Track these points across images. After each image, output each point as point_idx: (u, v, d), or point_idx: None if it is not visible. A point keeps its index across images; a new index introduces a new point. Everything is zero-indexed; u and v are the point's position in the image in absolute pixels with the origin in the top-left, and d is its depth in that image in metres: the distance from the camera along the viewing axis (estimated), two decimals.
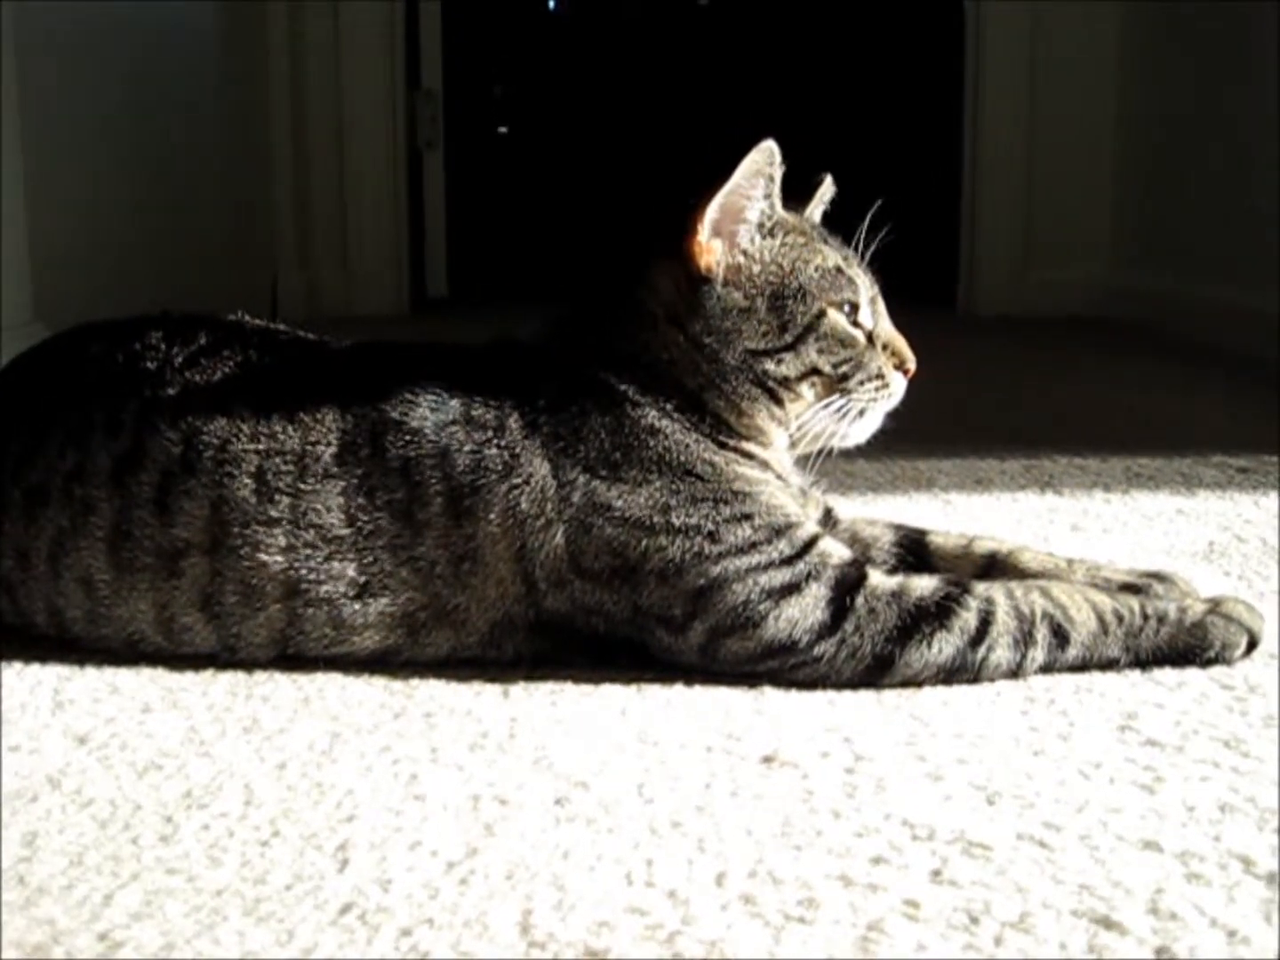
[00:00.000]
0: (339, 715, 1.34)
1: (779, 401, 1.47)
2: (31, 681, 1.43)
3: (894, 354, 1.52)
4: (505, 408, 1.43)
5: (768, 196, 1.47)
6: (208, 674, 1.44)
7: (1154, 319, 4.39)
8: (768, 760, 1.22)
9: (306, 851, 1.07)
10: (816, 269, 1.48)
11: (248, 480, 1.42)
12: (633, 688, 1.39)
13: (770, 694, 1.37)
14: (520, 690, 1.39)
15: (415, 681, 1.41)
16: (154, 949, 0.93)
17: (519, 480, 1.39)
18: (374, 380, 1.47)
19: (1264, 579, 1.74)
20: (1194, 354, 3.86)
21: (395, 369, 1.49)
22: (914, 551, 1.61)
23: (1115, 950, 0.91)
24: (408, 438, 1.42)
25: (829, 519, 1.61)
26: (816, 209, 1.61)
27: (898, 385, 1.52)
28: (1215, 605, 1.44)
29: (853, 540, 1.59)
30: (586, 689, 1.39)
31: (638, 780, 1.18)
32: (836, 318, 1.48)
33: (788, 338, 1.46)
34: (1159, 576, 1.54)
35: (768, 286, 1.46)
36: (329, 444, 1.43)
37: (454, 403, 1.43)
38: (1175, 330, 4.17)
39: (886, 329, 1.53)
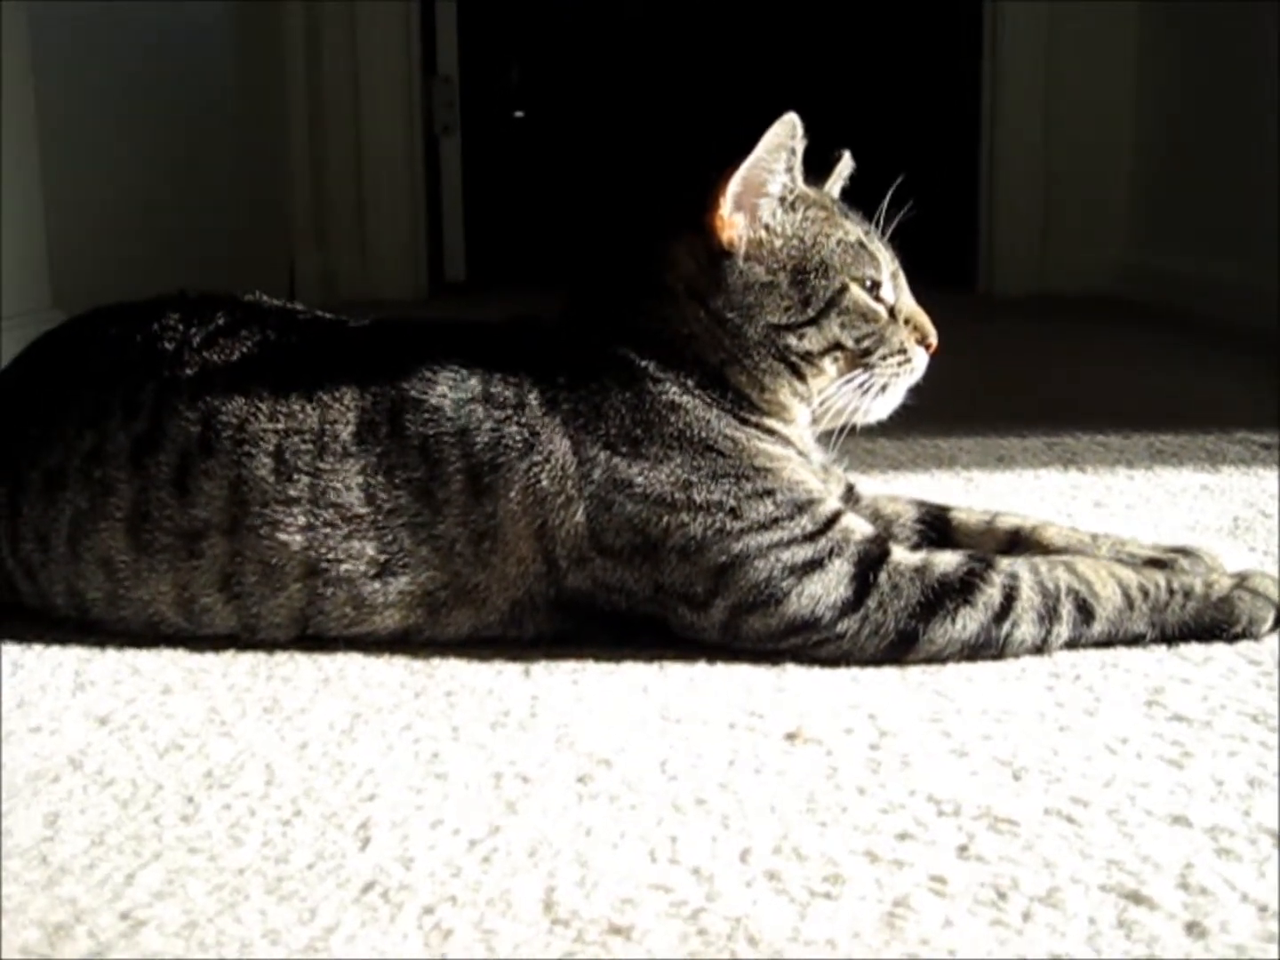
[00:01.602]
0: (360, 695, 1.34)
1: (801, 376, 1.46)
2: (52, 663, 1.43)
3: (916, 329, 1.51)
4: (525, 385, 1.42)
5: (789, 170, 1.46)
6: (228, 655, 1.44)
7: (1173, 297, 4.37)
8: (791, 737, 1.21)
9: (328, 830, 1.06)
10: (838, 243, 1.47)
11: (267, 459, 1.42)
12: (654, 665, 1.38)
13: (793, 671, 1.36)
14: (541, 669, 1.38)
15: (436, 661, 1.41)
16: (176, 927, 0.93)
17: (539, 458, 1.38)
18: (392, 358, 1.46)
19: None
20: (1214, 332, 3.83)
21: (413, 347, 1.48)
22: (937, 528, 1.60)
23: (1145, 925, 0.90)
24: (427, 415, 1.41)
25: (850, 496, 1.60)
26: (835, 185, 1.60)
27: (920, 360, 1.51)
28: (1242, 580, 1.43)
29: (875, 517, 1.58)
30: (608, 667, 1.38)
31: (660, 757, 1.18)
32: (858, 292, 1.47)
33: (810, 312, 1.44)
34: (1185, 551, 1.53)
35: (790, 261, 1.45)
36: (348, 422, 1.42)
37: (473, 380, 1.43)
38: (1195, 309, 4.14)
39: (908, 303, 1.52)
